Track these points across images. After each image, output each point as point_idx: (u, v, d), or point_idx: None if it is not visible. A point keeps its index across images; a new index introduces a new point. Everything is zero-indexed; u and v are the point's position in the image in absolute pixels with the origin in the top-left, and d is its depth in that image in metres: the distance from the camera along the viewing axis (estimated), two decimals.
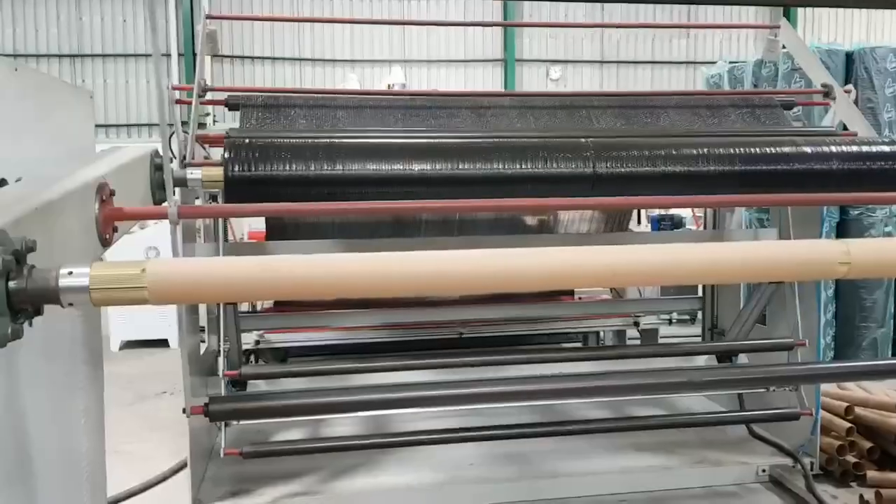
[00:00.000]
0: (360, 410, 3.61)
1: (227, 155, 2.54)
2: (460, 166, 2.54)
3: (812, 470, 3.93)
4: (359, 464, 3.98)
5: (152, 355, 7.38)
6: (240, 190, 2.53)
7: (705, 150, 2.75)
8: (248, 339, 4.89)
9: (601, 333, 6.09)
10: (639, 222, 8.93)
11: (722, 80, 6.65)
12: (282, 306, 5.42)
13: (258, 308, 5.59)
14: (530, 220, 5.43)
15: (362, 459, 4.02)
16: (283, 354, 5.47)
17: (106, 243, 1.92)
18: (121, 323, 7.50)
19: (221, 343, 3.52)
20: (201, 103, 3.23)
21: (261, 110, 3.25)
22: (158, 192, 2.53)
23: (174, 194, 2.58)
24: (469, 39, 14.73)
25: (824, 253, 1.54)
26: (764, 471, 3.96)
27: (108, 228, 1.91)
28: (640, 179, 2.70)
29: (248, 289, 1.46)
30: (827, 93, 3.62)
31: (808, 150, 2.81)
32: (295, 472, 3.89)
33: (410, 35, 14.43)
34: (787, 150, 2.82)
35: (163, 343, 7.53)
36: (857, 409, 4.14)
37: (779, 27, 4.02)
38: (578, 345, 6.21)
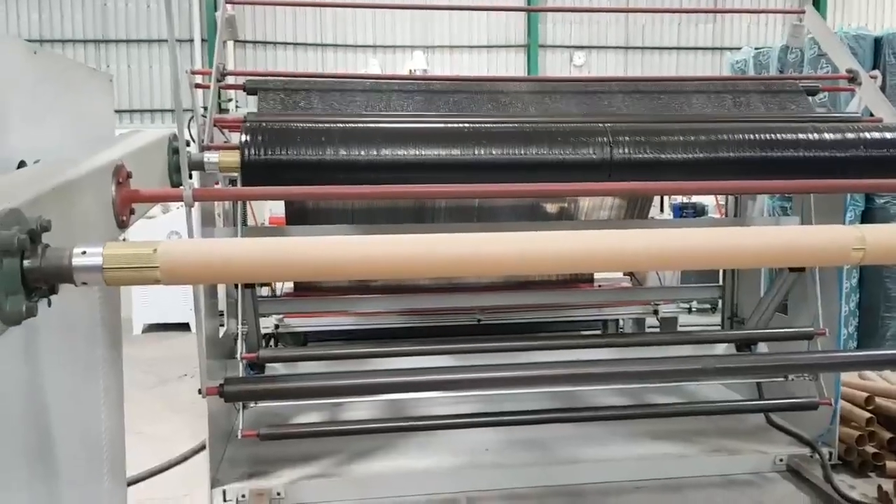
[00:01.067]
0: (375, 393, 3.65)
1: (244, 139, 2.55)
2: (475, 151, 2.54)
3: (830, 460, 3.90)
4: (376, 447, 4.01)
5: (174, 339, 7.46)
6: (256, 173, 2.54)
7: (724, 135, 2.72)
8: (268, 324, 4.92)
9: (620, 321, 6.06)
10: (661, 210, 8.87)
11: (747, 66, 6.56)
12: (302, 291, 5.46)
13: (278, 293, 5.62)
14: (551, 208, 5.41)
15: (379, 443, 4.05)
16: (302, 339, 5.50)
17: (123, 225, 1.94)
18: (144, 306, 7.59)
19: (240, 326, 3.55)
20: (220, 88, 3.24)
21: (279, 94, 3.26)
22: (176, 175, 2.55)
23: (190, 178, 2.63)
24: (492, 25, 14.64)
25: (839, 239, 1.52)
26: (781, 460, 3.94)
27: (125, 210, 1.93)
28: (657, 165, 2.68)
29: (258, 269, 1.48)
30: (852, 78, 3.56)
31: (829, 136, 2.77)
32: (312, 454, 3.93)
33: (433, 20, 14.37)
34: (807, 136, 2.78)
35: (184, 327, 7.61)
36: (878, 400, 4.10)
37: (804, 12, 3.96)
38: (598, 332, 6.19)
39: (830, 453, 3.93)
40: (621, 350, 4.33)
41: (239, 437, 3.42)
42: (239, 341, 3.58)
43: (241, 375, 3.55)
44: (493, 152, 2.56)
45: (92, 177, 1.81)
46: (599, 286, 5.99)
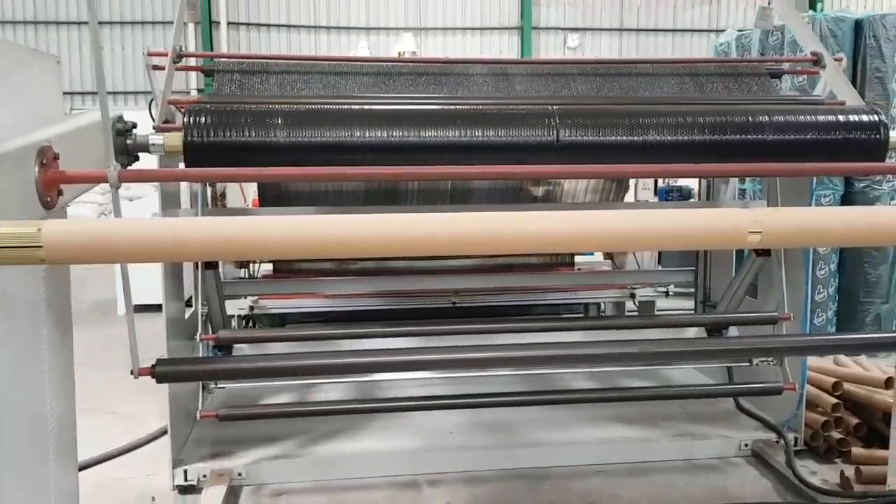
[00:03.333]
0: (328, 374, 3.65)
1: (186, 120, 2.54)
2: (417, 133, 2.52)
3: (796, 445, 3.91)
4: (342, 429, 4.03)
5: (156, 319, 7.45)
6: (200, 155, 2.52)
7: (672, 118, 2.70)
8: (243, 305, 4.93)
9: (602, 305, 6.06)
10: (655, 192, 8.87)
11: (730, 49, 6.52)
12: (280, 273, 5.47)
13: (255, 274, 5.62)
14: (535, 191, 5.39)
15: (346, 424, 4.07)
16: (278, 320, 5.51)
17: (48, 206, 1.93)
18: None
19: (199, 307, 3.56)
20: (177, 69, 3.22)
21: (235, 76, 3.24)
22: (122, 157, 2.55)
23: (137, 160, 2.62)
24: (486, 7, 14.56)
25: (733, 221, 1.50)
26: (746, 445, 3.94)
27: (50, 191, 1.92)
28: (603, 148, 2.66)
29: (145, 250, 1.47)
30: (816, 61, 3.53)
31: (781, 119, 2.75)
32: (278, 435, 3.94)
33: (426, 2, 14.28)
34: (760, 119, 2.75)
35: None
36: (846, 385, 4.08)
37: None
38: (570, 315, 6.20)
39: (796, 438, 3.93)
40: (592, 333, 4.31)
41: (197, 417, 3.44)
42: (199, 322, 3.58)
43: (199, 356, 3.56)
44: (436, 134, 2.55)
45: (10, 158, 1.80)
46: (579, 269, 6.00)
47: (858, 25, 5.51)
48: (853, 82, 5.61)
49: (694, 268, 4.89)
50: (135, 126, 2.62)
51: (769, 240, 1.50)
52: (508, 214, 1.75)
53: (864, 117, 2.84)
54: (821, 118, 2.79)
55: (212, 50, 13.38)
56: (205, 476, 3.57)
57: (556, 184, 5.21)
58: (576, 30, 14.90)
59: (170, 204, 3.55)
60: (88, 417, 4.66)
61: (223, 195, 7.10)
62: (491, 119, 2.65)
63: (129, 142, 2.54)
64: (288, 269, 5.38)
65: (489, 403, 3.94)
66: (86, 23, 14.06)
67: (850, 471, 3.65)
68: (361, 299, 5.22)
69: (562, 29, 14.89)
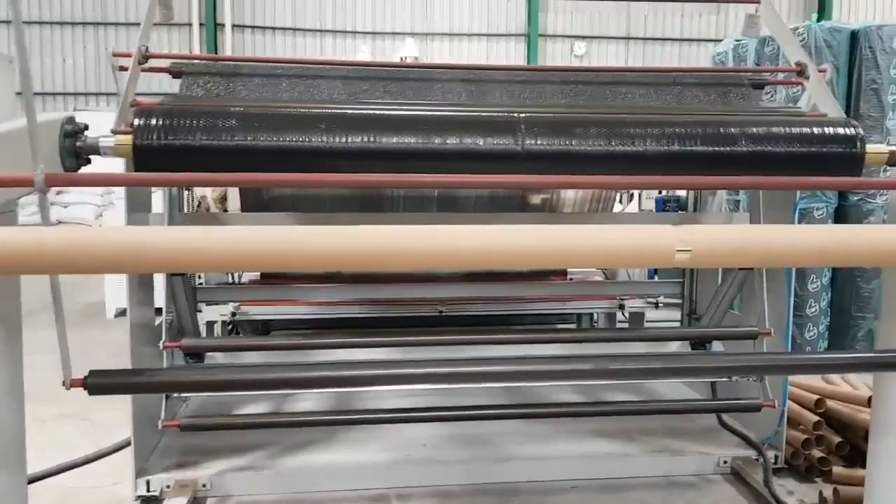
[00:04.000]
0: (295, 388, 3.58)
1: (135, 122, 2.48)
2: (370, 139, 2.45)
3: (776, 463, 3.82)
4: (315, 439, 3.97)
5: None
6: (149, 158, 2.47)
7: (640, 129, 2.62)
8: (225, 311, 4.87)
9: (595, 315, 5.98)
10: (628, 202, 8.82)
11: (727, 58, 6.43)
12: (267, 278, 5.40)
13: (238, 279, 5.56)
14: (534, 198, 5.32)
15: (319, 435, 4.01)
16: (260, 327, 5.45)
17: None
18: (116, 290, 7.55)
19: (164, 314, 3.51)
20: (143, 71, 3.17)
21: (202, 78, 3.19)
22: (69, 159, 2.49)
23: (89, 162, 2.56)
24: (492, 13, 14.50)
25: (659, 240, 1.43)
26: (725, 462, 3.84)
27: None
28: (570, 157, 2.58)
29: (64, 260, 1.41)
30: (800, 72, 3.44)
31: (751, 130, 2.66)
32: (249, 445, 3.88)
33: (433, 7, 14.24)
34: (729, 130, 2.66)
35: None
36: (830, 403, 3.99)
37: (759, 2, 3.84)
38: (572, 326, 6.12)
39: (777, 457, 3.84)
40: (575, 346, 4.23)
41: (159, 426, 3.38)
42: (163, 329, 3.52)
43: (165, 366, 3.50)
44: (393, 140, 2.48)
45: None
46: (571, 279, 5.91)
47: (854, 36, 5.42)
48: (848, 94, 5.53)
49: (681, 279, 4.80)
50: (86, 128, 2.57)
51: (700, 259, 1.42)
52: (444, 229, 1.68)
53: (840, 130, 2.75)
54: (793, 130, 2.70)
55: (216, 53, 13.41)
56: (168, 487, 3.51)
57: (554, 192, 5.12)
58: (583, 38, 14.82)
59: (138, 209, 3.50)
60: (61, 424, 4.65)
61: (224, 198, 7.05)
62: (453, 125, 2.58)
63: (78, 144, 2.49)
64: (274, 275, 5.31)
65: (469, 417, 3.86)
66: (89, 23, 14.17)
67: (828, 491, 3.55)
68: (347, 307, 5.15)
69: (569, 37, 14.82)
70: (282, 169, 2.46)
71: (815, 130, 2.72)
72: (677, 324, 5.06)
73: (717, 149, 2.68)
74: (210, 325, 4.89)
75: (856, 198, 5.39)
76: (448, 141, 2.58)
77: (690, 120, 2.70)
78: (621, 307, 5.35)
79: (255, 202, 4.89)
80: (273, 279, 5.31)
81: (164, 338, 3.49)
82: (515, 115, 2.66)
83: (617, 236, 1.53)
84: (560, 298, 5.27)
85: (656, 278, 6.41)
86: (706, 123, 2.67)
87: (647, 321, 5.50)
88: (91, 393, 2.33)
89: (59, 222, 11.66)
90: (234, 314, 4.99)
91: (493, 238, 1.57)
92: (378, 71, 3.29)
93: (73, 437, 4.32)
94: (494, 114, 2.73)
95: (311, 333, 5.06)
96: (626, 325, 5.63)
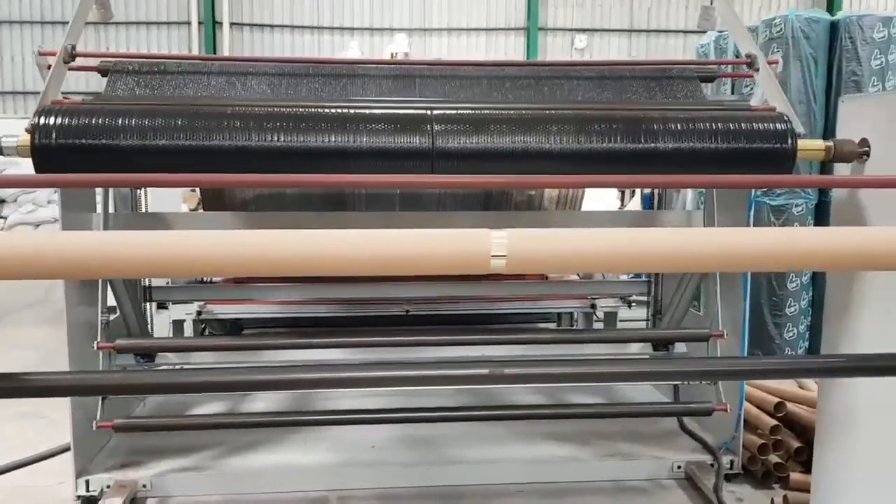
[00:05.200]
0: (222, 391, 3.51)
1: (35, 121, 2.44)
2: (266, 137, 2.39)
3: (732, 469, 3.71)
4: (262, 440, 3.93)
5: None
6: (48, 158, 2.42)
7: (558, 125, 2.53)
8: (191, 310, 4.84)
9: (575, 314, 5.89)
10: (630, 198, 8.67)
11: (709, 50, 6.29)
12: (237, 278, 5.36)
13: (209, 279, 5.52)
14: (518, 196, 5.22)
15: (267, 435, 3.97)
16: (228, 326, 5.42)
17: None
18: None
19: (99, 312, 3.47)
20: (70, 70, 3.12)
21: (129, 77, 3.13)
22: None
23: None
24: (491, 7, 14.36)
25: (473, 244, 1.34)
26: (679, 467, 3.74)
27: None
28: (482, 156, 2.50)
29: None
30: (750, 63, 3.33)
31: (675, 126, 2.56)
32: (196, 445, 3.85)
33: (430, 3, 14.13)
34: (653, 126, 2.57)
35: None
36: (790, 406, 3.87)
37: None
38: (551, 326, 6.04)
39: (733, 462, 3.73)
40: (538, 347, 4.14)
41: (94, 427, 3.35)
42: (99, 329, 3.48)
43: (100, 366, 3.46)
44: (293, 139, 2.41)
45: None
46: (546, 278, 5.81)
47: (834, 27, 5.27)
48: (828, 86, 5.38)
49: (647, 279, 4.70)
50: None
51: (516, 264, 1.34)
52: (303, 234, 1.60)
53: (771, 125, 2.65)
54: (720, 126, 2.60)
55: (214, 52, 13.40)
56: (108, 486, 3.48)
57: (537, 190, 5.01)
58: (584, 31, 14.63)
59: (76, 208, 3.45)
60: (18, 422, 4.64)
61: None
62: (359, 123, 2.51)
63: None
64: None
65: (423, 419, 3.81)
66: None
67: (779, 498, 3.45)
68: (313, 306, 5.10)
69: (569, 30, 14.64)
70: (181, 169, 2.40)
71: (744, 126, 2.62)
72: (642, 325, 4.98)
73: (638, 145, 2.59)
74: (179, 323, 4.88)
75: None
76: (357, 139, 2.51)
77: (610, 115, 2.61)
78: (593, 307, 5.26)
79: (216, 201, 4.85)
80: (241, 279, 5.27)
81: (98, 338, 3.45)
82: (428, 112, 2.58)
83: (430, 241, 1.44)
84: (531, 298, 5.18)
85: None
86: (625, 119, 2.57)
87: (620, 320, 5.41)
88: None
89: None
90: (199, 313, 4.96)
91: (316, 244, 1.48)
92: (303, 67, 3.20)
93: (29, 435, 4.32)
94: (402, 110, 2.65)
95: (277, 333, 5.01)
96: (601, 325, 5.54)
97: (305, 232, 1.53)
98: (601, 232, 1.49)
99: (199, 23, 13.97)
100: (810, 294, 5.53)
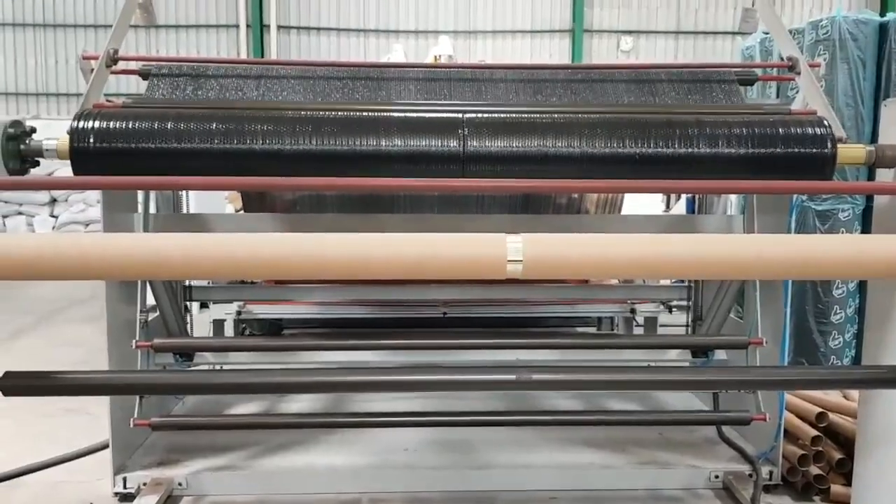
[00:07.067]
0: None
1: (74, 125, 2.50)
2: (309, 141, 2.41)
3: (771, 479, 3.63)
4: (297, 440, 3.95)
5: None
6: (87, 161, 2.48)
7: (590, 129, 2.50)
8: (231, 310, 4.91)
9: (615, 319, 5.83)
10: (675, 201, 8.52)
11: (755, 52, 6.17)
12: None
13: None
14: (559, 199, 5.20)
15: (303, 436, 3.99)
16: (267, 326, 5.49)
17: None
18: None
19: (138, 312, 3.53)
20: (112, 73, 3.19)
21: (168, 80, 3.19)
22: (13, 161, 2.53)
23: (11, 164, 2.58)
24: (536, 9, 14.29)
25: (489, 249, 1.33)
26: (717, 477, 3.67)
27: None
28: (515, 159, 2.49)
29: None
30: (791, 66, 3.26)
31: (712, 130, 2.52)
32: (232, 445, 3.89)
33: (476, 5, 14.12)
34: (689, 130, 2.53)
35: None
36: (832, 416, 3.77)
37: None
38: (591, 330, 6.00)
39: (772, 472, 3.65)
40: (574, 353, 4.10)
41: (131, 425, 3.41)
42: (137, 328, 3.55)
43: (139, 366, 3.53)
44: (330, 142, 2.43)
45: None
46: (586, 282, 5.76)
47: (883, 28, 5.12)
48: (877, 89, 5.23)
49: (687, 284, 4.62)
50: (33, 131, 2.60)
51: (532, 270, 1.32)
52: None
53: (809, 130, 2.58)
54: (757, 130, 2.55)
55: (262, 54, 13.61)
56: (145, 484, 3.54)
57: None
58: (630, 32, 14.46)
59: (118, 209, 3.53)
60: (64, 418, 4.76)
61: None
62: (392, 126, 2.52)
63: (21, 146, 2.52)
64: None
65: (458, 423, 3.80)
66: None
67: None
68: (351, 307, 5.14)
69: (615, 31, 14.49)
70: (216, 172, 2.44)
71: (781, 130, 2.56)
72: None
73: (668, 150, 2.55)
74: (219, 323, 4.97)
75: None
76: (390, 143, 2.52)
77: (642, 119, 2.57)
78: (632, 311, 5.20)
79: (255, 202, 4.92)
80: (280, 279, 5.33)
81: (136, 337, 3.51)
82: (460, 115, 2.58)
83: (446, 246, 1.43)
84: (567, 302, 5.14)
85: None
86: (659, 123, 2.53)
87: (661, 325, 5.34)
88: (6, 394, 2.34)
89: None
90: (239, 313, 5.04)
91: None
92: (339, 71, 3.23)
93: (74, 432, 4.41)
94: (436, 115, 2.65)
95: (316, 334, 5.07)
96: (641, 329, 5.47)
97: (316, 236, 1.54)
98: (618, 237, 1.47)
99: (248, 26, 14.18)
100: (857, 302, 5.38)
